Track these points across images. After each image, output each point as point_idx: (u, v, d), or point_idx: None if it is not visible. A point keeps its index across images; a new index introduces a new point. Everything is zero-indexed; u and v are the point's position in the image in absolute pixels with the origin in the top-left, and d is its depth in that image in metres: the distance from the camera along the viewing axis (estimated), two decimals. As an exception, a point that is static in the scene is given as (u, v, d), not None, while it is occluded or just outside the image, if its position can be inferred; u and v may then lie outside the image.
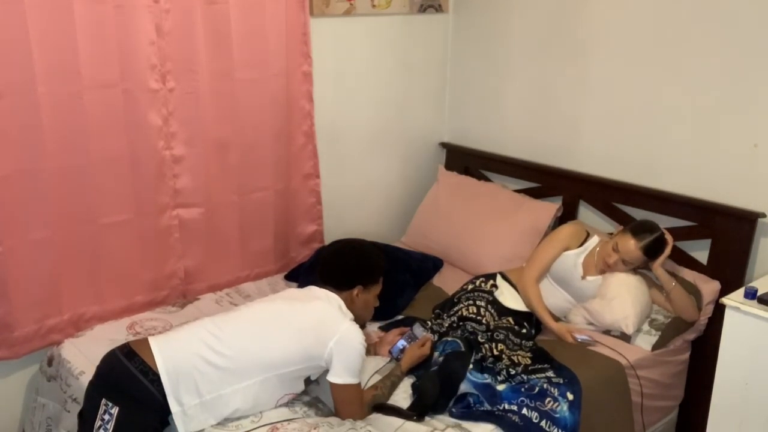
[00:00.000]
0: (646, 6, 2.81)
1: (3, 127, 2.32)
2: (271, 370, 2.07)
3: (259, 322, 2.14)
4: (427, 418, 2.15)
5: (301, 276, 3.01)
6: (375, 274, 2.32)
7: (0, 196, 2.37)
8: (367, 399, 2.16)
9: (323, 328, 2.10)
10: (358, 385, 2.14)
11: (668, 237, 2.59)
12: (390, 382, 2.26)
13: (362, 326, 2.35)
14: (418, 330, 2.45)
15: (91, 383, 2.07)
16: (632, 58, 2.88)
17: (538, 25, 3.21)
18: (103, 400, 1.96)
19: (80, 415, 2.09)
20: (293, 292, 2.38)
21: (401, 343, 2.39)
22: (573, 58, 3.09)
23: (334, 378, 2.09)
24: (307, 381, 2.19)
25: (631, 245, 2.55)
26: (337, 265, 2.31)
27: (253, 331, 2.11)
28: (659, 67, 2.79)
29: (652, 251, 2.55)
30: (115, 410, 1.94)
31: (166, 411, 1.99)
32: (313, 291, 2.27)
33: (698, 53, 2.67)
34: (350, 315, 2.20)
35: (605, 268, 2.65)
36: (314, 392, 2.26)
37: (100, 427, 1.94)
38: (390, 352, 2.40)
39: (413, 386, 2.29)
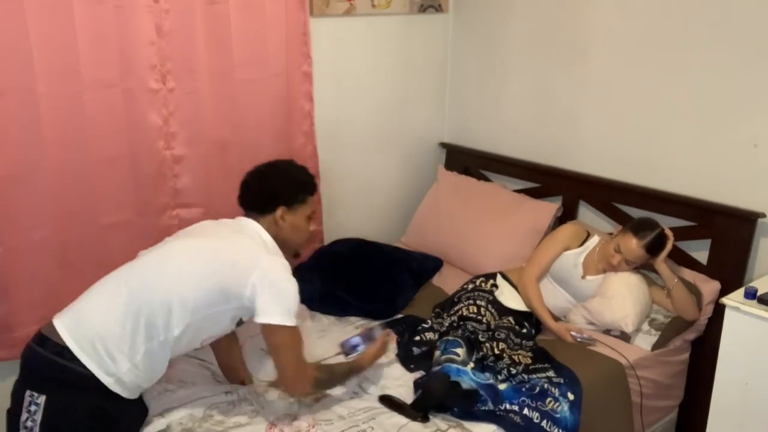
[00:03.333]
0: (646, 6, 2.81)
1: (3, 127, 2.32)
2: (189, 316, 1.92)
3: (169, 266, 1.98)
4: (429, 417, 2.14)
5: (300, 276, 3.00)
6: (299, 192, 2.15)
7: (0, 196, 2.37)
8: (310, 372, 2.02)
9: (241, 266, 1.94)
10: (295, 328, 1.94)
11: (668, 232, 2.60)
12: (340, 372, 2.14)
13: (297, 254, 2.23)
14: (377, 331, 2.36)
15: (16, 381, 1.93)
16: (632, 58, 2.88)
17: (538, 24, 3.21)
18: (27, 392, 1.85)
19: (7, 413, 1.93)
20: (214, 226, 2.16)
21: (356, 340, 2.29)
22: (573, 58, 3.09)
23: (261, 317, 1.90)
24: (239, 323, 2.06)
25: (633, 244, 2.56)
26: (256, 187, 2.14)
27: (161, 273, 1.96)
28: (659, 67, 2.79)
29: (654, 248, 2.56)
30: (41, 399, 1.84)
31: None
32: (239, 223, 2.12)
33: (698, 53, 2.67)
34: (278, 252, 2.06)
35: (609, 269, 2.65)
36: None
37: (27, 419, 1.83)
38: (341, 345, 2.30)
39: (416, 383, 2.27)
